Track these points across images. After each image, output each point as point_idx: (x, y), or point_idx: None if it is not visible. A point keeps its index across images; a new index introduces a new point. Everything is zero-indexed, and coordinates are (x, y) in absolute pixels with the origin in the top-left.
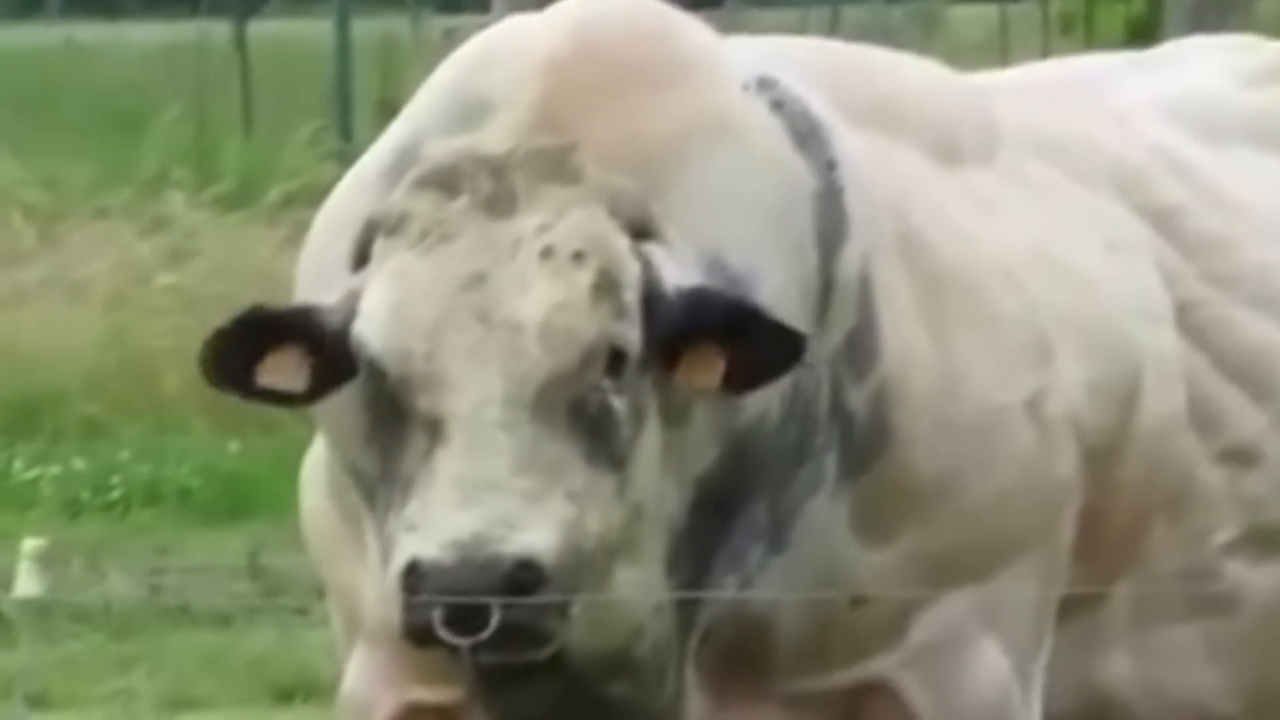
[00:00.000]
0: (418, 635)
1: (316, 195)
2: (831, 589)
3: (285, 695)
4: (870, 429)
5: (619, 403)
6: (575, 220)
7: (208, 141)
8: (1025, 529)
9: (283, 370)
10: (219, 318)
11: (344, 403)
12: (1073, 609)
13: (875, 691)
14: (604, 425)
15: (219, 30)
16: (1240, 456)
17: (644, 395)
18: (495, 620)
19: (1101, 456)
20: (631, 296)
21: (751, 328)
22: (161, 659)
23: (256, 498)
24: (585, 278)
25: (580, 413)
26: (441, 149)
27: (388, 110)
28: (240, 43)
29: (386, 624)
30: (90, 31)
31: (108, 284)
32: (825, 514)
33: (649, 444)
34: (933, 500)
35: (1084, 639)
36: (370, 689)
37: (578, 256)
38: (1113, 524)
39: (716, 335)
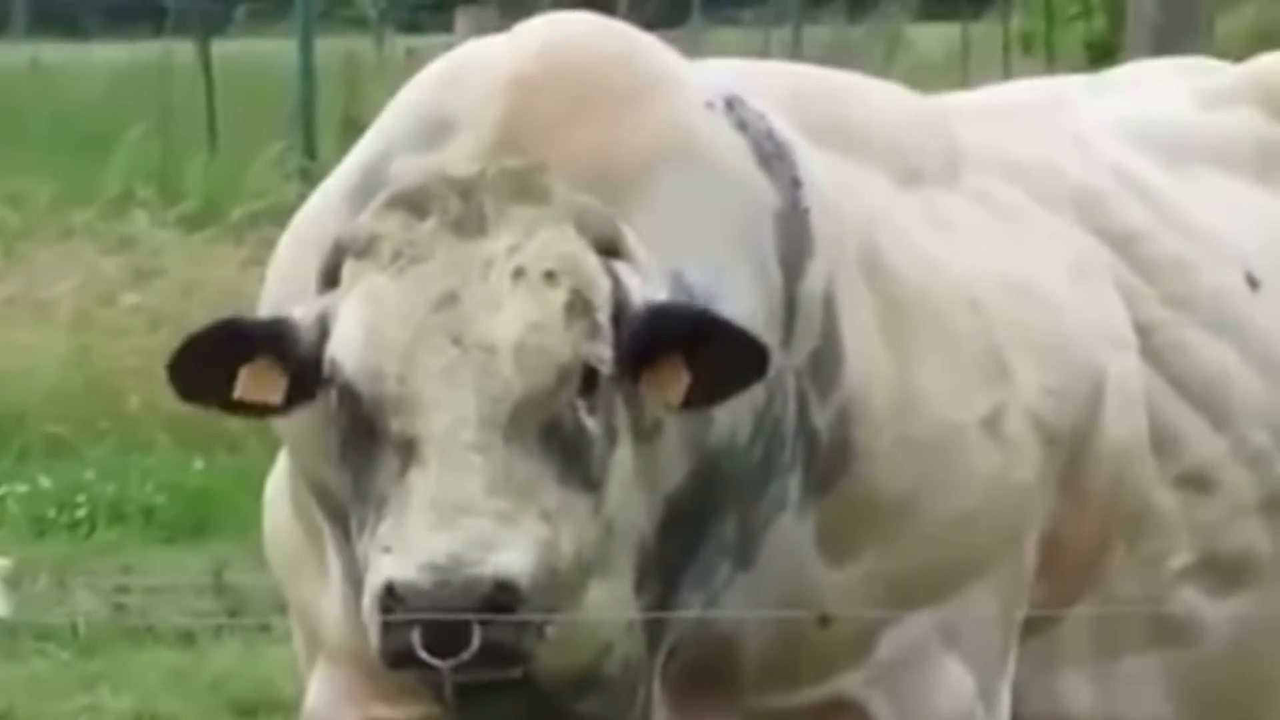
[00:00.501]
0: (396, 656)
1: (281, 214)
2: (798, 607)
3: (248, 712)
4: (833, 448)
5: (592, 422)
6: (545, 240)
7: (172, 161)
8: (987, 547)
9: (258, 383)
10: (184, 337)
11: (311, 422)
12: (1034, 627)
13: (841, 709)
14: (577, 445)
15: (183, 50)
16: (1196, 482)
17: (616, 413)
18: (475, 641)
19: (1064, 473)
20: (603, 315)
21: (715, 337)
22: (126, 677)
23: (220, 516)
24: (558, 297)
25: (554, 433)
26: (409, 170)
27: (351, 129)
28: (204, 62)
29: (350, 642)
30: (55, 51)
31: (72, 303)
32: (792, 532)
33: (622, 462)
34: (894, 519)
35: (1044, 659)
36: (332, 707)
37: (549, 276)
38: (1074, 543)
39: (681, 347)
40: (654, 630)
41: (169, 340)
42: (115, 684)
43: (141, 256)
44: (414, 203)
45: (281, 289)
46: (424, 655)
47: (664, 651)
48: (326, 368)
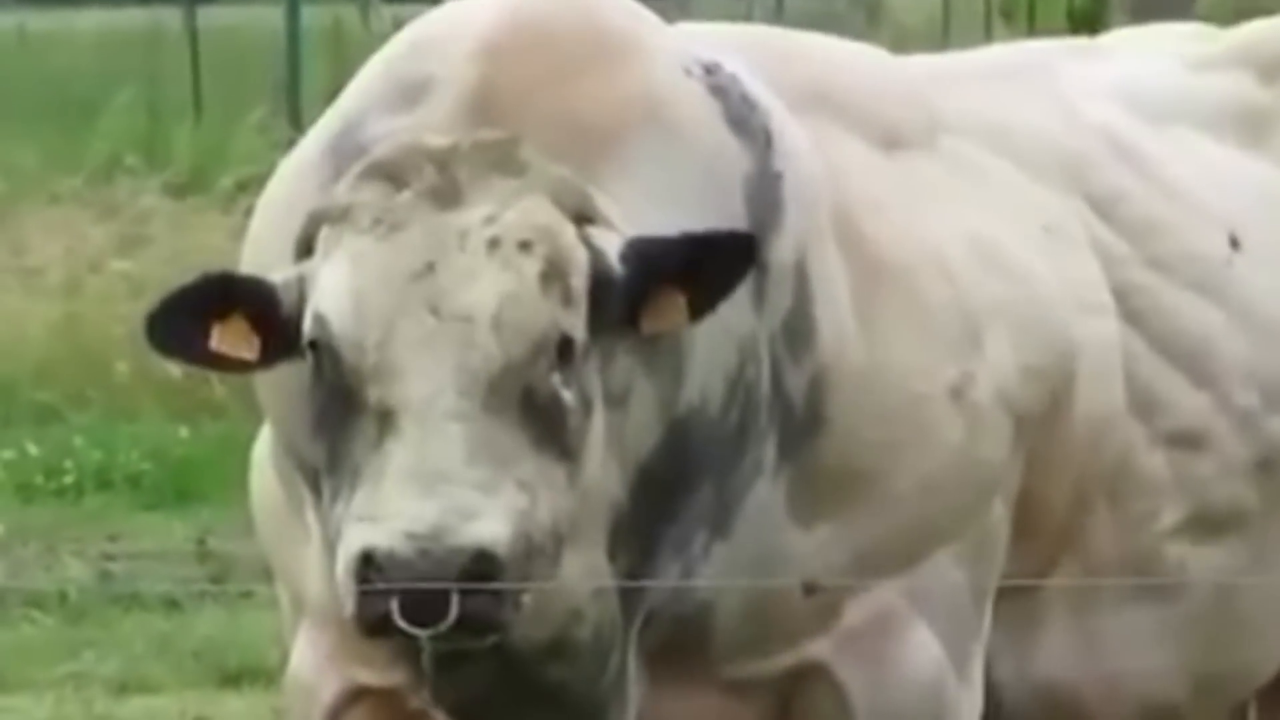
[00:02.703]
0: (374, 624)
1: (267, 182)
2: (769, 574)
3: (232, 679)
4: (805, 414)
5: (568, 392)
6: (521, 210)
7: (159, 128)
8: (953, 514)
9: (233, 338)
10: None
11: (288, 386)
12: (1012, 591)
13: (810, 675)
14: (553, 414)
15: (170, 17)
16: (1185, 440)
17: (591, 383)
18: (454, 610)
19: (1036, 439)
20: (579, 283)
21: (701, 249)
22: (112, 642)
23: (205, 483)
24: (533, 267)
25: (530, 402)
26: (383, 136)
27: (337, 98)
28: (191, 30)
29: (331, 607)
30: (42, 19)
31: (60, 270)
32: (766, 499)
33: (595, 430)
34: (861, 485)
35: (1024, 621)
36: (316, 671)
37: (524, 246)
38: (1050, 506)
39: (668, 275)
40: (629, 599)
41: None
42: (102, 650)
43: (128, 224)
44: (390, 173)
45: (257, 252)
46: (402, 624)
47: (639, 621)
48: (311, 327)
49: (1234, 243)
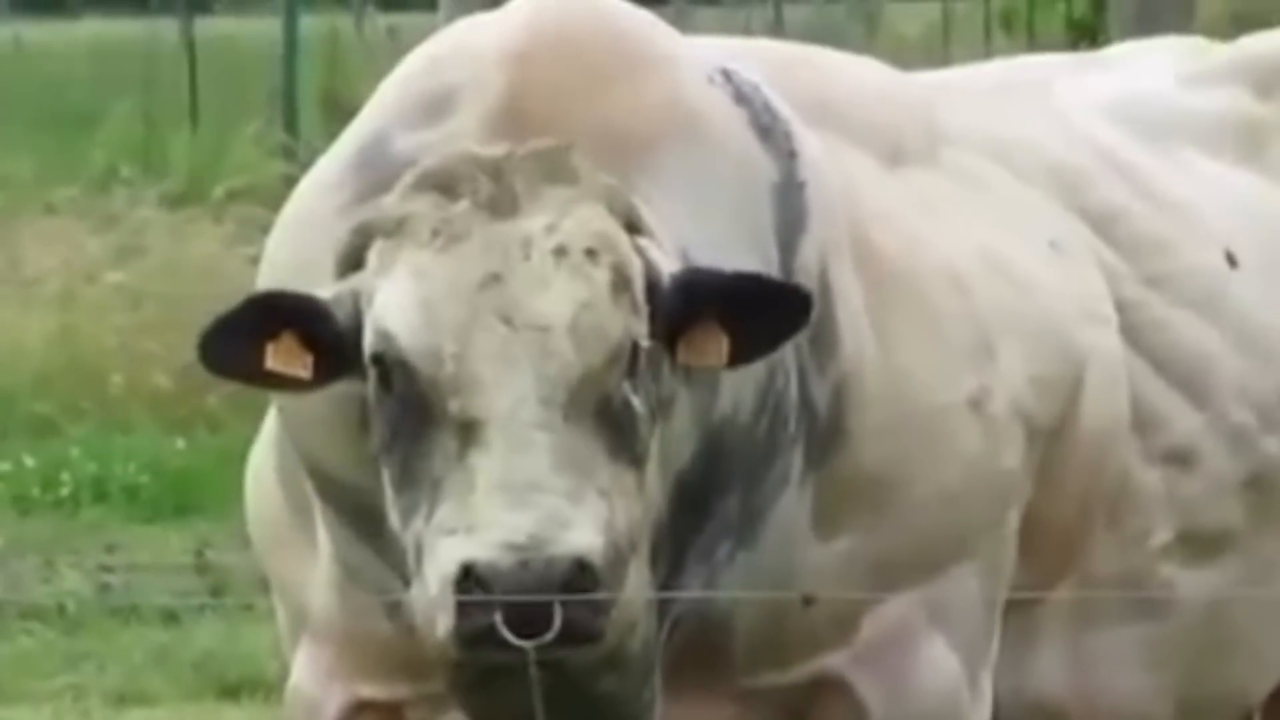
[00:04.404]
0: (475, 638)
1: (263, 192)
2: (788, 585)
3: (231, 691)
4: (829, 423)
5: (637, 399)
6: (581, 219)
7: (155, 139)
8: (971, 526)
9: (286, 356)
10: (166, 315)
11: (315, 403)
12: (1012, 606)
13: (827, 687)
14: (625, 421)
15: (166, 28)
16: (1177, 458)
17: (652, 390)
18: (558, 620)
19: (1046, 452)
20: (639, 291)
21: (751, 294)
22: (110, 655)
23: (202, 495)
24: (603, 275)
25: (605, 410)
26: (420, 148)
27: (333, 107)
28: (187, 40)
29: (338, 621)
30: (39, 29)
31: (57, 281)
32: (792, 509)
33: (653, 440)
34: (880, 498)
35: (1021, 637)
36: (317, 685)
37: (591, 254)
38: (1055, 522)
39: (714, 313)
40: (661, 609)
41: (152, 318)
42: (100, 662)
43: (125, 234)
44: (442, 184)
45: (278, 268)
46: (508, 636)
47: (666, 631)
48: (375, 341)
49: (1231, 259)
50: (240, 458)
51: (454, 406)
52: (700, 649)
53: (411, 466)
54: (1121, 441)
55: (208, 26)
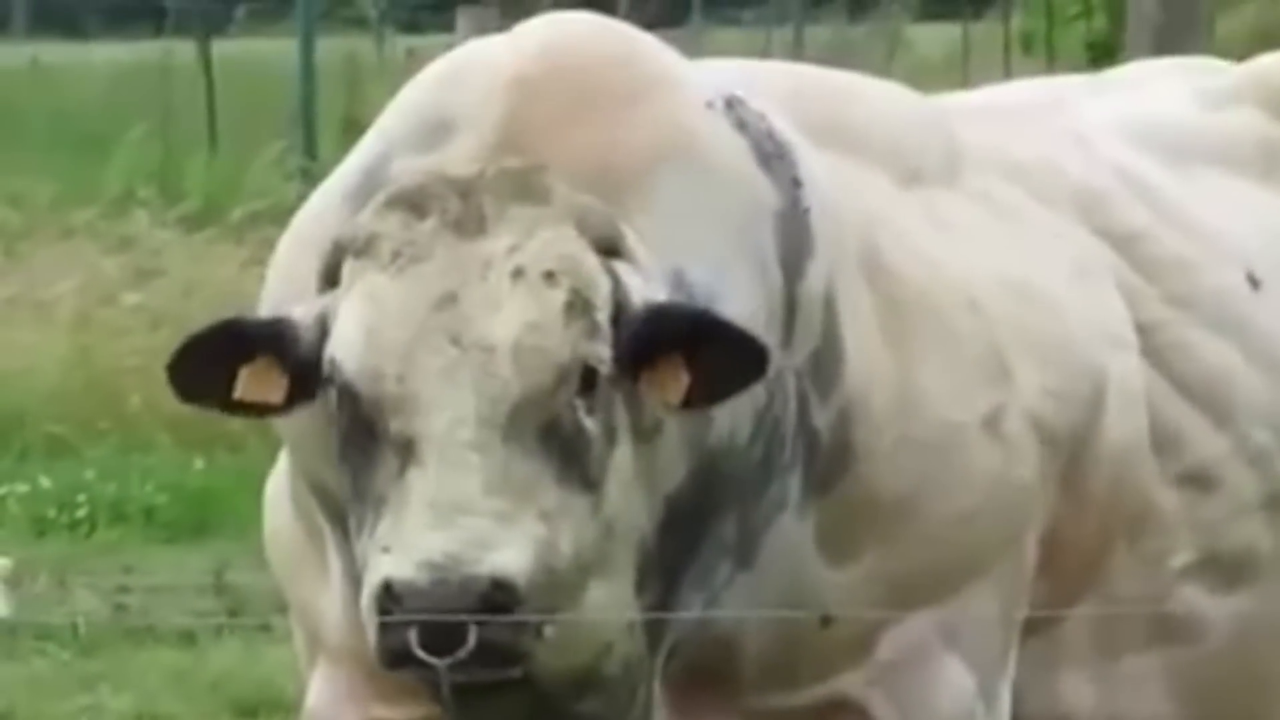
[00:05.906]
0: (394, 656)
1: (282, 214)
2: (798, 607)
3: (249, 712)
4: (834, 448)
5: (591, 422)
6: (545, 240)
7: (173, 161)
8: (987, 547)
9: (259, 383)
10: (184, 337)
11: (312, 422)
12: (1035, 627)
13: (841, 709)
14: (576, 445)
15: (184, 50)
16: (1198, 480)
17: (616, 413)
18: (472, 640)
19: (1065, 474)
20: (603, 315)
21: (714, 337)
22: (126, 676)
23: (220, 515)
24: (557, 297)
25: (553, 432)
26: (408, 171)
27: (352, 129)
28: (205, 62)
29: (350, 642)
30: (56, 51)
31: (73, 303)
32: (792, 532)
33: (621, 462)
34: (894, 519)
35: (1045, 658)
36: (333, 707)
37: (549, 276)
38: (1075, 543)
39: (681, 348)
40: (654, 630)
41: (169, 340)
42: (116, 684)
43: (142, 256)
44: (413, 202)
45: (281, 289)
46: (421, 654)
47: (664, 652)
48: (326, 367)
49: (1252, 280)
50: (259, 478)
51: (395, 425)
52: (707, 671)
53: (360, 484)
54: (1142, 463)
55: (225, 48)
